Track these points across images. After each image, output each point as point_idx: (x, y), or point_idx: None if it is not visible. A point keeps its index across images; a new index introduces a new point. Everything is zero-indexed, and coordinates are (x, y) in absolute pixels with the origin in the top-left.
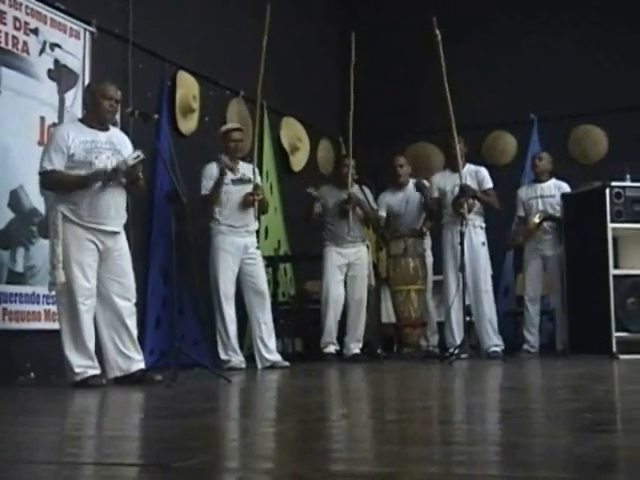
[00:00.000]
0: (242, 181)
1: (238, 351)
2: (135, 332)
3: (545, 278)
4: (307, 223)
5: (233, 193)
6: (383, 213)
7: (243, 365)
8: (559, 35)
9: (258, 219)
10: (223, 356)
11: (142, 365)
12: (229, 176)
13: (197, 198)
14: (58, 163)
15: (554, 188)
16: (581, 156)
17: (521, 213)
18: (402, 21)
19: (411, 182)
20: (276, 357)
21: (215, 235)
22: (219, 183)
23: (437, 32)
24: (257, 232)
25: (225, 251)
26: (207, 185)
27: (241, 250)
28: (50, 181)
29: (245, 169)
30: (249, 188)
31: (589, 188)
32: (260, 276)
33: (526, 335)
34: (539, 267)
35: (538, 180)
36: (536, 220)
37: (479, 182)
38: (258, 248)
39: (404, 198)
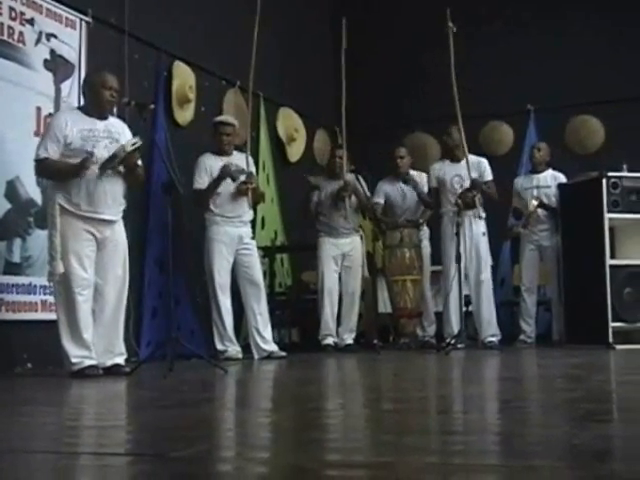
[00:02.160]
0: (241, 173)
1: (234, 341)
2: (122, 324)
3: (541, 268)
4: (306, 214)
5: (227, 183)
6: (381, 200)
7: (240, 355)
8: (556, 25)
9: (254, 209)
10: (219, 346)
11: (120, 360)
12: (231, 167)
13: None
14: (53, 151)
15: (551, 179)
16: (578, 146)
17: (516, 204)
18: (400, 11)
19: (413, 173)
20: (272, 347)
21: (209, 226)
22: (217, 183)
23: (450, 24)
24: (253, 222)
25: (219, 241)
26: (200, 179)
27: (235, 240)
28: (44, 169)
29: (239, 159)
30: (243, 178)
31: (586, 178)
32: (255, 267)
33: (522, 325)
34: (535, 257)
35: (535, 171)
36: (533, 204)
37: (480, 174)
38: (253, 238)
39: (403, 189)
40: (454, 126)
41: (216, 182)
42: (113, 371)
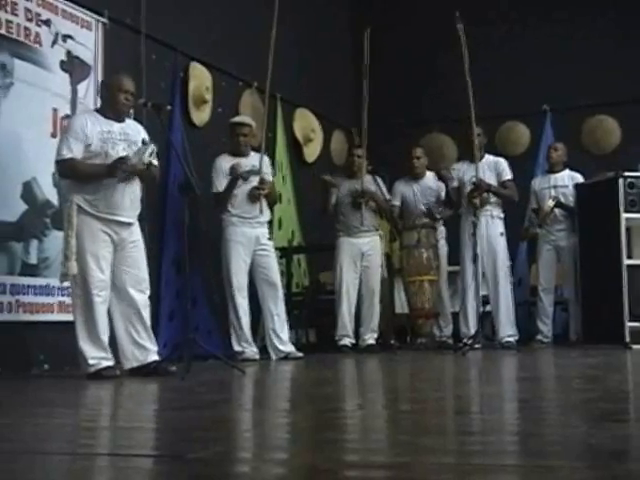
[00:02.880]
0: (252, 172)
1: (251, 342)
2: (149, 323)
3: (559, 268)
4: (324, 213)
5: (240, 185)
6: (397, 202)
7: (257, 356)
8: (572, 26)
9: (271, 210)
10: (237, 347)
11: (156, 356)
12: (239, 168)
13: (209, 194)
14: (77, 151)
15: (568, 179)
16: (594, 146)
17: (533, 205)
18: (417, 12)
19: (429, 174)
20: (289, 348)
21: (226, 226)
22: (232, 184)
23: (459, 26)
24: (270, 223)
25: (237, 242)
26: (218, 182)
27: (253, 241)
28: (69, 169)
29: (256, 160)
30: (254, 179)
31: (602, 178)
32: (272, 267)
33: (540, 325)
34: (553, 257)
35: (552, 171)
36: (550, 203)
37: (498, 173)
38: (270, 239)
39: (418, 189)
40: (479, 127)
41: (230, 184)
42: (154, 369)
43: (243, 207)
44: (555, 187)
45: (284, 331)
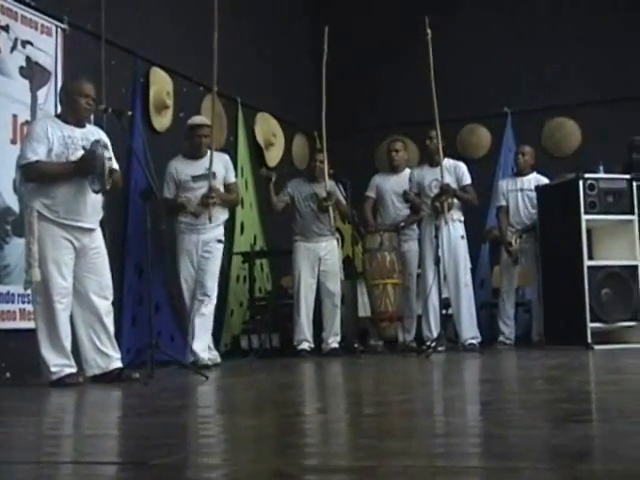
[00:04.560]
0: (204, 177)
1: (212, 347)
2: (112, 330)
3: (520, 270)
4: (272, 209)
5: (194, 189)
6: (372, 194)
7: (218, 360)
8: (532, 28)
9: (231, 211)
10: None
11: (119, 363)
12: (190, 172)
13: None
14: (42, 153)
15: (535, 182)
16: (554, 148)
17: (502, 203)
18: (377, 12)
19: (407, 169)
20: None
21: (177, 234)
22: (179, 210)
23: (428, 31)
24: (232, 227)
25: (185, 250)
26: (167, 188)
27: (200, 246)
28: (35, 171)
29: (208, 163)
30: (213, 183)
31: (563, 180)
32: (208, 271)
33: (501, 327)
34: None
35: (520, 174)
36: (513, 242)
37: (458, 178)
38: (220, 242)
39: (397, 184)
40: (435, 131)
41: (176, 211)
42: (117, 376)
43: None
44: (522, 190)
45: (200, 339)
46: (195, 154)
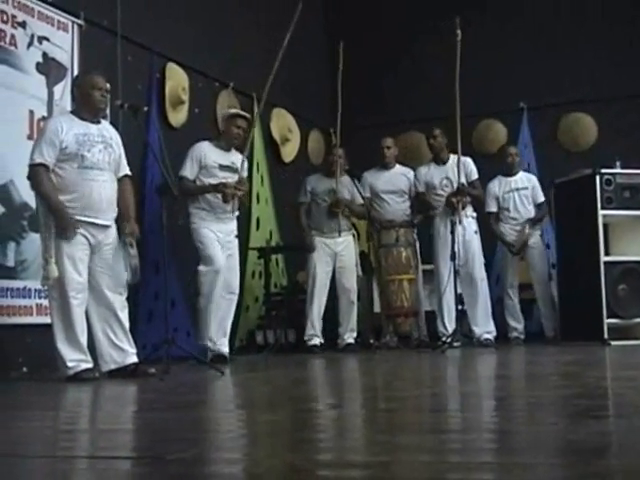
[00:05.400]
0: (230, 169)
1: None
2: (127, 325)
3: (523, 266)
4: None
5: (217, 178)
6: (367, 193)
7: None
8: (549, 23)
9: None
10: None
11: (135, 358)
12: (218, 159)
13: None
14: (48, 156)
15: (526, 181)
16: (571, 144)
17: (493, 209)
18: (391, 9)
19: (398, 166)
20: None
21: (194, 220)
22: (207, 191)
23: (458, 32)
24: (248, 223)
25: (208, 229)
26: (190, 167)
27: (223, 233)
28: (36, 174)
29: (235, 157)
30: (231, 179)
31: (579, 175)
32: (234, 269)
33: (511, 322)
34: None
35: (510, 174)
36: (526, 232)
37: (466, 174)
38: (237, 236)
39: (389, 180)
40: (438, 129)
41: (206, 190)
42: (133, 371)
43: (215, 201)
44: (517, 189)
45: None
46: (228, 143)
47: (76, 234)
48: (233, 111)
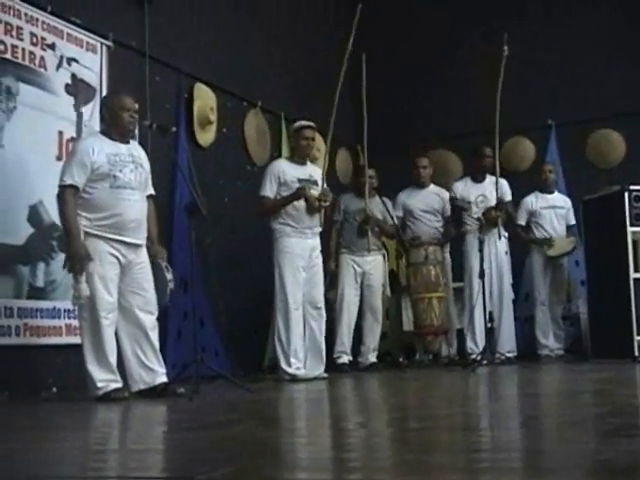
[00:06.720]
0: (309, 182)
1: (301, 359)
2: (157, 345)
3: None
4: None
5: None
6: (400, 213)
7: (304, 374)
8: (576, 39)
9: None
10: (284, 366)
11: (165, 378)
12: (296, 174)
13: (220, 210)
14: (79, 177)
15: (562, 201)
16: (599, 160)
17: (522, 222)
18: (417, 27)
19: (432, 186)
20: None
21: (279, 237)
22: (289, 201)
23: (505, 48)
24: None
25: (292, 253)
26: (269, 187)
27: (307, 252)
28: (64, 195)
29: (312, 170)
30: (314, 191)
31: (608, 192)
32: (318, 284)
33: (542, 339)
34: (546, 271)
35: (547, 191)
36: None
37: (502, 194)
38: (322, 251)
39: (423, 199)
40: (487, 147)
41: (288, 200)
42: (162, 391)
43: (298, 216)
44: (554, 207)
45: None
46: (301, 156)
47: (87, 266)
48: (297, 124)
